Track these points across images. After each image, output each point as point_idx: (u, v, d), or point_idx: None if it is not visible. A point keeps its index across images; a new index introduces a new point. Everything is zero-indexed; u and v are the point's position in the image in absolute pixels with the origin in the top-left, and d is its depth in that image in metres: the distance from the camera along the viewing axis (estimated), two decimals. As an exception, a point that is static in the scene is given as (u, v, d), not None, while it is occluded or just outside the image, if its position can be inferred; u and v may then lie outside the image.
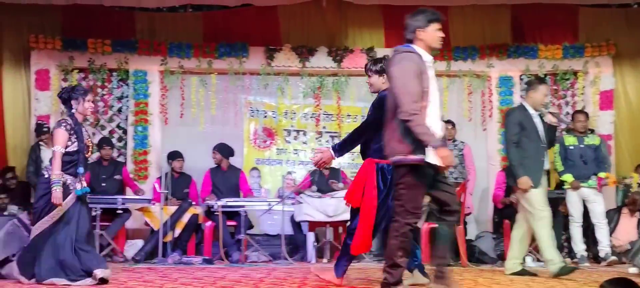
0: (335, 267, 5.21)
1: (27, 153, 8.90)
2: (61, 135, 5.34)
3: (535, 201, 6.11)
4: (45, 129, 8.69)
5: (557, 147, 8.11)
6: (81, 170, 5.37)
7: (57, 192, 5.23)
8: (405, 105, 4.16)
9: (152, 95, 9.45)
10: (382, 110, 4.90)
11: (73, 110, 5.48)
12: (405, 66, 4.28)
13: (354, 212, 5.09)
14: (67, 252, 5.28)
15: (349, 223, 5.26)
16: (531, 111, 6.27)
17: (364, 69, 5.42)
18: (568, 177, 7.91)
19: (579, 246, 7.93)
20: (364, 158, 5.17)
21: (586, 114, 8.37)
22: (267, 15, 9.73)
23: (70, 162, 5.37)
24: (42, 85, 9.24)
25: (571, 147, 8.02)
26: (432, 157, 4.14)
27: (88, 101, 5.52)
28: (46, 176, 5.36)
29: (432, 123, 4.22)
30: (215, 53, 9.44)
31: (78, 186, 5.37)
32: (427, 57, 4.40)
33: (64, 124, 5.39)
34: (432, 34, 4.46)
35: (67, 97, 5.50)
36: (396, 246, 4.25)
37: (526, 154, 6.15)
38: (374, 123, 5.05)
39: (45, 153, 8.59)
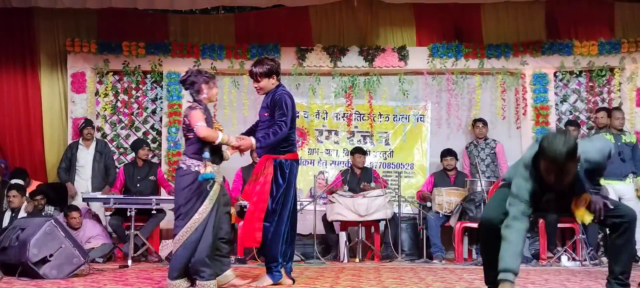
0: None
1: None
2: (199, 113, 4.88)
3: None
4: (87, 124, 8.86)
5: None
6: (207, 154, 4.90)
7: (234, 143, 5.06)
8: None
9: (186, 96, 9.50)
10: (275, 109, 5.14)
11: (203, 96, 5.03)
12: None
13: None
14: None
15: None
16: None
17: (250, 74, 5.39)
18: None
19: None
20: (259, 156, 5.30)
21: (622, 111, 8.26)
22: (299, 15, 9.77)
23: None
24: (78, 88, 9.40)
25: None
26: None
27: (216, 87, 5.15)
28: (185, 167, 4.88)
29: None
30: (247, 54, 9.49)
31: (202, 171, 4.86)
32: None
33: (198, 106, 4.96)
34: None
35: (194, 80, 5.05)
36: None
37: None
38: (269, 121, 5.21)
39: (82, 153, 8.75)
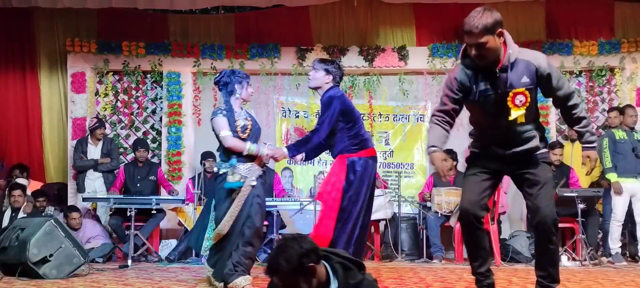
0: None
1: (64, 153, 9.21)
2: (222, 120, 4.99)
3: None
4: (100, 125, 8.89)
5: (606, 142, 7.97)
6: (234, 161, 4.97)
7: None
8: None
9: (186, 96, 9.54)
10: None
11: (237, 95, 5.11)
12: None
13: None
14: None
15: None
16: None
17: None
18: (613, 176, 7.78)
19: (616, 244, 7.79)
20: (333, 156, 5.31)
21: (635, 109, 8.24)
22: (299, 15, 9.77)
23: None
24: (78, 87, 9.39)
25: (622, 141, 7.90)
26: None
27: (250, 85, 5.20)
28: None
29: None
30: (247, 54, 9.49)
31: (229, 179, 4.99)
32: None
33: (220, 111, 5.03)
34: None
35: (228, 80, 5.10)
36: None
37: None
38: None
39: (90, 153, 8.74)
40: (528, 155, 3.90)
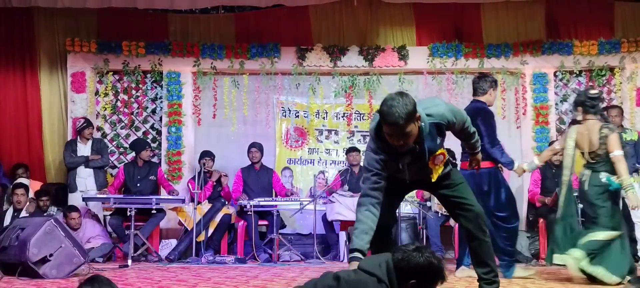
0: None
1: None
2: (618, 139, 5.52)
3: None
4: (88, 125, 8.86)
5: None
6: None
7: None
8: None
9: (186, 96, 9.53)
10: None
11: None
12: None
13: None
14: None
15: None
16: None
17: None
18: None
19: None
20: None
21: (620, 109, 8.25)
22: (299, 15, 9.76)
23: None
24: (78, 87, 9.39)
25: None
26: None
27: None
28: None
29: None
30: (247, 54, 9.49)
31: None
32: None
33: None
34: None
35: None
36: None
37: None
38: None
39: (80, 152, 8.74)
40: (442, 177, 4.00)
